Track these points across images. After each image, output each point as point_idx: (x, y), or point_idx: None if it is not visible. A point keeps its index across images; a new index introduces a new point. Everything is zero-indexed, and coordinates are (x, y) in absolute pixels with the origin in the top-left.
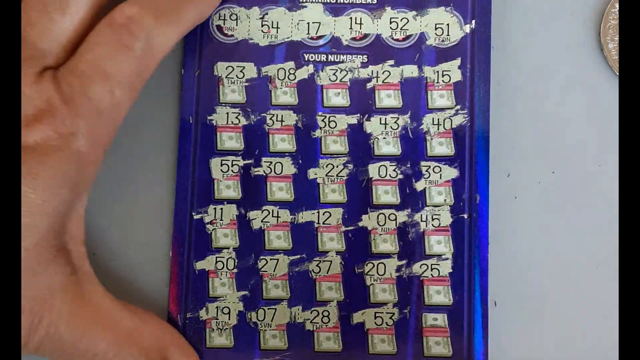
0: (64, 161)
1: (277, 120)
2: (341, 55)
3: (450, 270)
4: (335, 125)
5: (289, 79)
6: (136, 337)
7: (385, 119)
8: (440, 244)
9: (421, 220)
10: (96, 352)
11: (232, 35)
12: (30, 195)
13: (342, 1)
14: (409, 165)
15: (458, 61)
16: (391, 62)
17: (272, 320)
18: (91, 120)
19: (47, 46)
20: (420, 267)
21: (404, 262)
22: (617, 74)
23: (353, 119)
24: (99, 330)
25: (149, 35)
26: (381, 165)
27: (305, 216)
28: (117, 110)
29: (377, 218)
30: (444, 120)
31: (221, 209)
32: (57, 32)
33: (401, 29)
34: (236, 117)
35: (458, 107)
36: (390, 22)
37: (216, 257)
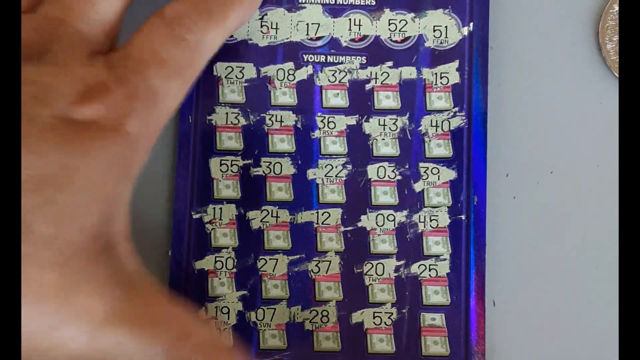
0: (117, 141)
1: (276, 121)
2: (340, 57)
3: (448, 271)
4: (335, 126)
5: (288, 79)
6: (188, 335)
7: (384, 120)
8: (438, 245)
9: (419, 221)
10: (147, 349)
11: (231, 36)
12: (84, 172)
13: (341, 2)
14: (407, 167)
15: (456, 63)
16: (390, 63)
17: (271, 320)
18: (146, 104)
19: (89, 31)
20: (419, 267)
21: (402, 262)
22: (615, 74)
23: (352, 120)
24: (152, 327)
25: (200, 31)
26: (380, 166)
27: (304, 216)
28: (170, 99)
29: (376, 218)
30: (442, 122)
31: (220, 208)
32: (96, 16)
33: (400, 31)
34: (235, 117)
35: (456, 109)
36: (389, 24)
37: (215, 257)
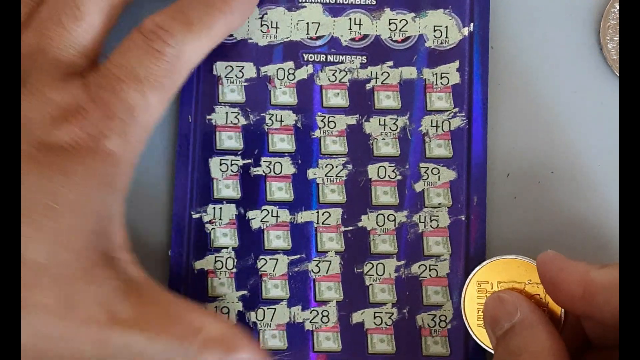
0: (97, 161)
1: (276, 120)
2: (340, 56)
3: (448, 271)
4: (335, 126)
5: (288, 79)
6: (204, 329)
7: (385, 120)
8: (438, 245)
9: (420, 221)
10: (169, 350)
11: (231, 35)
12: (68, 195)
13: (341, 2)
14: (407, 167)
15: (456, 64)
16: (390, 63)
17: (271, 320)
18: (124, 121)
19: (67, 56)
20: (419, 267)
21: (402, 262)
22: (617, 73)
23: (352, 120)
24: (169, 328)
25: (179, 43)
26: (380, 166)
27: (304, 216)
28: (149, 114)
29: (377, 218)
30: (443, 122)
31: (220, 208)
32: (75, 42)
33: (400, 31)
34: (235, 117)
35: (456, 109)
36: (390, 24)
37: (215, 257)
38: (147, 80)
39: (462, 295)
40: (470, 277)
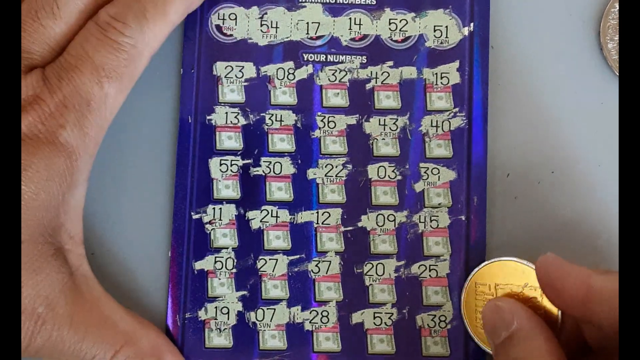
0: (53, 154)
1: (276, 120)
2: (340, 56)
3: (448, 271)
4: (335, 126)
5: (288, 78)
6: (134, 340)
7: (384, 119)
8: (438, 245)
9: (420, 221)
10: (95, 353)
11: (231, 35)
12: (22, 187)
13: (341, 1)
14: (407, 167)
15: (456, 63)
16: (390, 63)
17: (271, 321)
18: (80, 112)
19: (37, 48)
20: (419, 267)
21: (402, 262)
22: (617, 73)
23: (352, 120)
24: (100, 331)
25: (135, 33)
26: (380, 166)
27: (304, 216)
28: (107, 105)
29: (376, 218)
30: (443, 122)
31: (220, 208)
32: (47, 37)
33: (400, 30)
34: (235, 117)
35: (456, 109)
36: (390, 24)
37: (215, 257)
38: (104, 70)
39: (462, 297)
40: (468, 279)
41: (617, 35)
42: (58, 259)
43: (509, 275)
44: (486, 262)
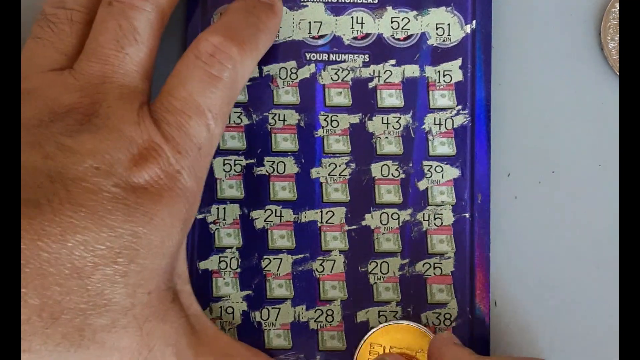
0: (175, 200)
1: (279, 120)
2: (343, 55)
3: (453, 269)
4: (338, 125)
5: (290, 78)
6: None
7: (387, 118)
8: (442, 243)
9: (424, 220)
10: None
11: None
12: (150, 237)
13: (343, 0)
14: (411, 165)
15: (459, 61)
16: (392, 61)
17: (276, 320)
18: (193, 156)
19: (131, 82)
20: (423, 265)
21: (407, 260)
22: (617, 73)
23: (355, 119)
24: None
25: (235, 63)
26: (383, 165)
27: (308, 215)
28: (212, 143)
29: (380, 217)
30: (446, 120)
31: (224, 208)
32: (132, 65)
33: (402, 29)
34: (238, 117)
35: (459, 107)
36: (392, 22)
37: (219, 257)
38: (209, 111)
39: (354, 357)
40: (364, 339)
41: (618, 35)
42: (176, 303)
43: (406, 339)
44: (384, 324)
